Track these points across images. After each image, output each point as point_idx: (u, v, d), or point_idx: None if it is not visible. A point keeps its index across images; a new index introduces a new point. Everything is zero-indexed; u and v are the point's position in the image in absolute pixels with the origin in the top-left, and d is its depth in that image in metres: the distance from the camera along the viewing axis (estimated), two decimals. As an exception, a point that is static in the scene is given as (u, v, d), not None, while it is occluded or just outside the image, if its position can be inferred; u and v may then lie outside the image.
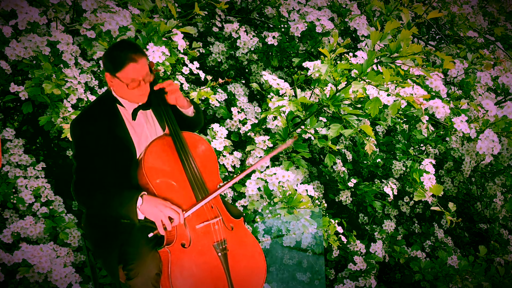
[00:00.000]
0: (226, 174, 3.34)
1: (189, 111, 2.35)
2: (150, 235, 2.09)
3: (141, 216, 2.12)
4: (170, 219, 2.07)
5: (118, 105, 2.22)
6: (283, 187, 2.94)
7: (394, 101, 3.04)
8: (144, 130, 2.25)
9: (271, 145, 3.30)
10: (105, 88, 3.34)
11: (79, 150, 2.17)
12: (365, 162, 4.01)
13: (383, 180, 3.92)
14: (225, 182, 2.26)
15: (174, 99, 2.24)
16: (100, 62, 3.15)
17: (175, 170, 2.16)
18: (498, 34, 4.52)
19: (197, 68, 3.62)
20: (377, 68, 2.99)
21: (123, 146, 2.18)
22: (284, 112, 3.29)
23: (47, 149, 4.01)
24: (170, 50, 3.13)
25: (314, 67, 3.44)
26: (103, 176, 2.14)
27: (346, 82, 3.06)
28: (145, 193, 2.11)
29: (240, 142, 3.68)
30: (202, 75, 3.65)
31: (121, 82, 2.11)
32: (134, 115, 2.23)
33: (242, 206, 3.14)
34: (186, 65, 3.58)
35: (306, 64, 3.53)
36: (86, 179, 2.15)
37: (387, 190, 3.64)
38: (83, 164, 2.16)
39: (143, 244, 2.13)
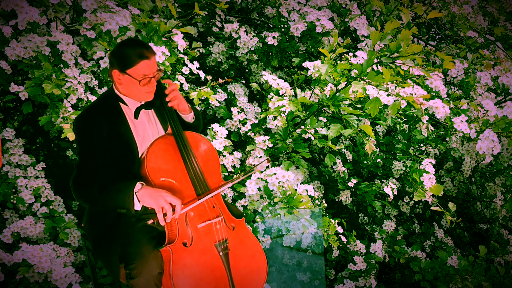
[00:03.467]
0: (226, 174, 3.34)
1: (189, 117, 2.37)
2: (150, 222, 2.05)
3: (138, 207, 2.08)
4: (171, 205, 2.04)
5: (121, 103, 2.22)
6: (283, 187, 2.94)
7: (394, 101, 3.04)
8: (146, 130, 2.25)
9: (271, 145, 3.30)
10: (105, 88, 3.34)
11: (81, 145, 2.18)
12: (365, 162, 4.01)
13: (383, 180, 3.92)
14: (225, 182, 2.26)
15: (175, 105, 2.25)
16: (101, 62, 3.15)
17: (177, 170, 2.17)
18: (498, 34, 4.53)
19: (197, 68, 3.62)
20: (377, 68, 2.99)
21: (125, 144, 2.19)
22: (284, 112, 3.30)
23: (47, 149, 4.01)
24: (170, 50, 3.13)
25: (314, 67, 3.44)
26: (104, 171, 2.14)
27: (346, 82, 3.06)
28: (143, 182, 2.11)
29: (240, 142, 3.68)
30: (202, 75, 3.66)
31: (132, 78, 2.11)
32: (136, 113, 2.23)
33: (242, 206, 3.14)
34: (186, 65, 3.58)
35: (306, 64, 3.53)
36: (86, 172, 2.14)
37: (387, 190, 3.64)
38: (85, 159, 2.16)
39: (144, 244, 2.13)
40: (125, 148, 2.18)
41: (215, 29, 4.27)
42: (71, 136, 2.87)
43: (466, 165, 3.96)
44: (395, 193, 3.71)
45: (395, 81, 3.03)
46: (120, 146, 2.18)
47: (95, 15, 3.04)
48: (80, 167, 2.16)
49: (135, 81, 2.11)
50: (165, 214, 2.04)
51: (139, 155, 2.20)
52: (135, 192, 2.07)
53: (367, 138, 3.20)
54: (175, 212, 2.04)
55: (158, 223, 2.05)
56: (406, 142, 3.97)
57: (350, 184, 3.71)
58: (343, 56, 3.40)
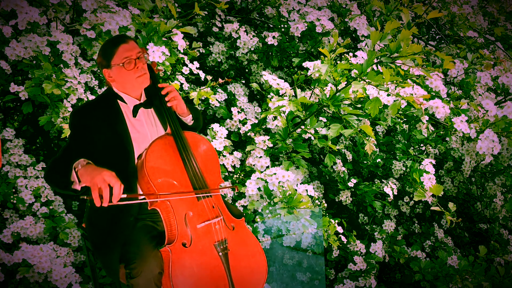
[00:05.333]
0: (226, 174, 3.34)
1: (188, 119, 2.38)
2: (83, 197, 1.92)
3: (77, 186, 1.99)
4: (109, 187, 1.90)
5: (119, 101, 2.23)
6: (283, 187, 2.94)
7: (394, 101, 3.04)
8: (144, 129, 2.25)
9: (271, 145, 3.30)
10: (105, 88, 3.35)
11: (73, 136, 2.16)
12: (365, 162, 4.01)
13: (383, 180, 3.92)
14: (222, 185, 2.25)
15: (174, 106, 2.26)
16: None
17: (176, 170, 2.16)
18: (498, 34, 4.53)
19: (197, 68, 3.62)
20: (377, 68, 3.00)
21: (121, 143, 2.18)
22: (284, 112, 3.30)
23: (47, 149, 4.01)
24: (170, 50, 3.14)
25: (314, 67, 3.44)
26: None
27: (346, 82, 3.06)
28: (90, 161, 2.02)
29: (240, 142, 3.68)
30: (202, 75, 3.66)
31: (118, 67, 2.13)
32: (135, 111, 2.23)
33: (242, 206, 3.14)
34: (186, 65, 3.58)
35: (306, 64, 3.53)
36: (66, 156, 2.09)
37: (387, 190, 3.64)
38: (72, 145, 2.13)
39: (144, 243, 2.13)
40: (120, 147, 2.18)
41: (215, 29, 4.27)
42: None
43: (466, 165, 3.96)
44: (395, 193, 3.71)
45: (395, 81, 3.03)
46: (115, 144, 2.17)
47: (95, 15, 3.04)
48: (63, 152, 2.12)
49: (123, 69, 2.13)
50: (101, 197, 1.91)
51: (136, 155, 2.19)
52: (75, 169, 1.98)
53: (367, 138, 3.20)
54: (114, 195, 1.91)
55: (92, 201, 1.92)
56: (406, 142, 3.97)
57: (350, 184, 3.71)
58: (343, 56, 3.41)
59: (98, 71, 3.43)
